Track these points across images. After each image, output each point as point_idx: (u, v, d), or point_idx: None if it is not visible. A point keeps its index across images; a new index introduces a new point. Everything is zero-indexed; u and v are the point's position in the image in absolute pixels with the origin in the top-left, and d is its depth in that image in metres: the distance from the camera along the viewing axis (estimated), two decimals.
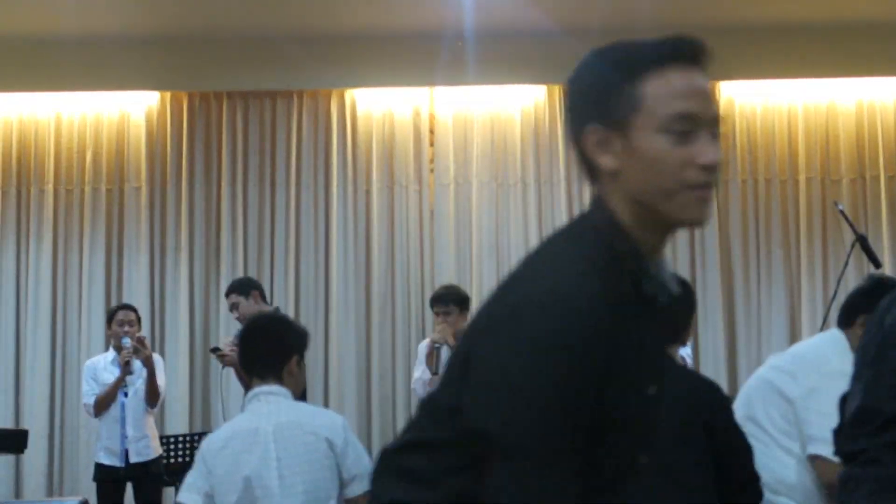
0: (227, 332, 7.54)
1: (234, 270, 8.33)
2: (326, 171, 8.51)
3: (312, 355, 8.06)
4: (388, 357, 8.35)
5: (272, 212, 8.49)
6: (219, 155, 8.54)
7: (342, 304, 8.36)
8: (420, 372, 6.64)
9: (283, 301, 8.33)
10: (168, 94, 8.60)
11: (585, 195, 8.00)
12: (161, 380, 6.98)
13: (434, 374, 6.45)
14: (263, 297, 7.07)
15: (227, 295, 7.02)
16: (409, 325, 8.38)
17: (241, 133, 8.55)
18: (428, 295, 8.06)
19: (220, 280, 8.22)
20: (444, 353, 6.44)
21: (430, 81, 8.45)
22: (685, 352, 6.35)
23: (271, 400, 3.76)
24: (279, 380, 3.79)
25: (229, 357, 6.69)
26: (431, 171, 8.53)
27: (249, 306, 6.81)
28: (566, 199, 8.45)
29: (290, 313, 8.19)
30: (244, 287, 6.99)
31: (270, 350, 3.81)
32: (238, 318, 6.90)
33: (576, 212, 8.04)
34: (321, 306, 8.41)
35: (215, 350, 6.96)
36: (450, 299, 6.61)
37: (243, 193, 8.51)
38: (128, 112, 8.61)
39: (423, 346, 6.70)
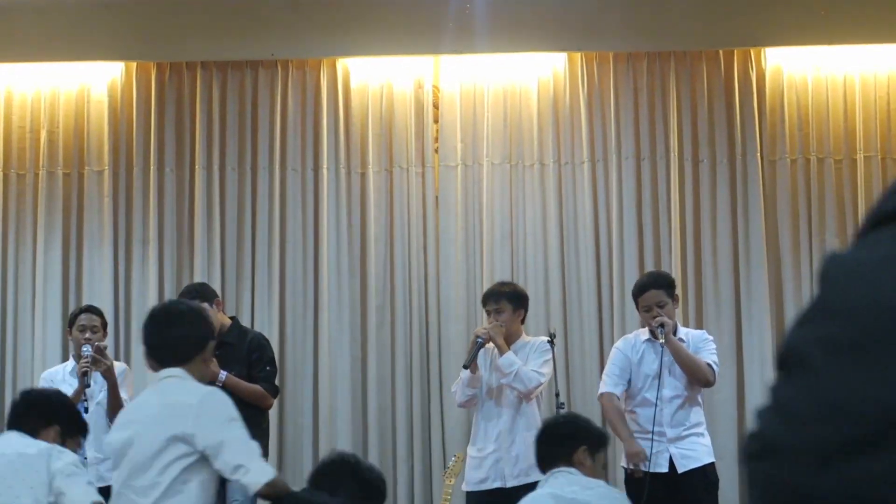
0: None
1: (210, 265, 8.06)
2: (315, 152, 8.24)
3: (300, 360, 8.05)
4: (387, 362, 8.05)
5: (253, 198, 8.21)
6: (192, 134, 8.26)
7: (334, 302, 8.08)
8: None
9: (267, 299, 8.07)
10: (134, 65, 8.29)
11: (611, 177, 8.04)
12: (126, 393, 6.67)
13: (465, 366, 6.36)
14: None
15: None
16: (409, 325, 8.10)
17: (218, 109, 8.26)
18: (432, 291, 8.17)
19: (194, 277, 7.91)
20: (490, 352, 6.38)
21: (435, 49, 8.18)
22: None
23: None
24: None
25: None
26: (436, 151, 8.25)
27: (214, 314, 6.50)
28: (589, 182, 8.09)
29: (276, 313, 8.07)
30: (207, 294, 6.76)
31: None
32: None
33: (600, 196, 8.10)
34: (310, 305, 8.12)
35: None
36: (502, 296, 6.45)
37: (220, 177, 8.22)
38: (88, 85, 8.30)
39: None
